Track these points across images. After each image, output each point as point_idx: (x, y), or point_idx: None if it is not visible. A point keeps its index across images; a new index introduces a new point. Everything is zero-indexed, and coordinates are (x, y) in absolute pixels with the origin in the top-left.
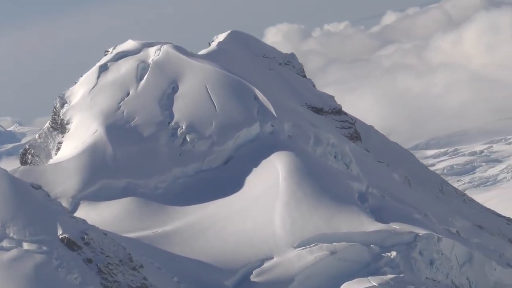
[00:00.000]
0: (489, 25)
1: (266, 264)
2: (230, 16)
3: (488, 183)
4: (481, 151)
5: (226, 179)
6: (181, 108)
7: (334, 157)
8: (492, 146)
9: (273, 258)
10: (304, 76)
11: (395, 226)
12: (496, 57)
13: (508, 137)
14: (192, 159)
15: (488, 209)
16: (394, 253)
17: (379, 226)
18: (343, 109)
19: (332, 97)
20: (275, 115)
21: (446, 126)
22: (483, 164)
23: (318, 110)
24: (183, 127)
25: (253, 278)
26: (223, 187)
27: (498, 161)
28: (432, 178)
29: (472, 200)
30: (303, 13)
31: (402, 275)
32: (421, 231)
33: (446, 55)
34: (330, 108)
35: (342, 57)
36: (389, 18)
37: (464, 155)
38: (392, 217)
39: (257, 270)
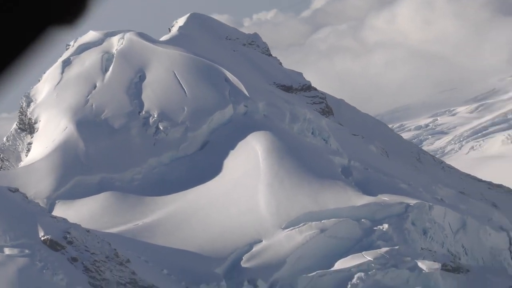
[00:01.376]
0: (423, 1)
1: (255, 248)
2: (158, 6)
3: (437, 156)
4: (426, 125)
5: (203, 165)
6: (151, 96)
7: (312, 133)
8: (437, 119)
9: (262, 241)
10: (270, 55)
11: (384, 198)
12: (433, 32)
13: (451, 109)
14: (166, 147)
15: (468, 175)
16: (386, 226)
17: (367, 199)
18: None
19: (300, 73)
20: (248, 95)
21: (389, 102)
22: (429, 137)
23: (287, 88)
24: (155, 115)
25: (243, 263)
26: (202, 173)
27: (444, 133)
28: (408, 147)
29: (450, 167)
30: (230, 3)
31: (396, 247)
32: (412, 201)
33: (382, 33)
34: (299, 85)
35: (277, 44)
36: (319, 1)
37: (410, 129)
38: (378, 189)
39: (247, 255)
